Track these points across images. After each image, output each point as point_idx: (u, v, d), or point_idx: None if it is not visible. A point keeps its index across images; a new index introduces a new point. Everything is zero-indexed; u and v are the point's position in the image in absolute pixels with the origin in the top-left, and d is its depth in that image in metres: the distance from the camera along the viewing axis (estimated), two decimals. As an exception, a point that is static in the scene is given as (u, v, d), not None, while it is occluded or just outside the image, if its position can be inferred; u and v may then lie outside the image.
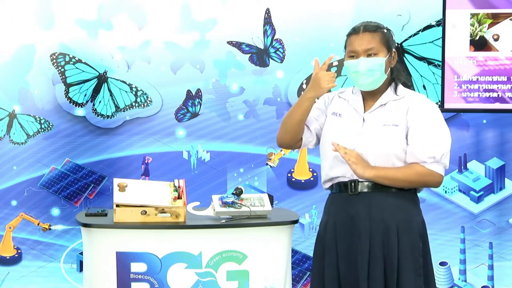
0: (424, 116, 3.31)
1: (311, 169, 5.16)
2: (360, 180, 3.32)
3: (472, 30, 4.74)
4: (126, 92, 5.20)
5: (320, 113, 3.45)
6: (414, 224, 3.33)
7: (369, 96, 3.37)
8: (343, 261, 3.33)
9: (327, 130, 3.42)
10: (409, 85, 3.45)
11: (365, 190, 3.33)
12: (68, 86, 5.19)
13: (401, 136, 3.29)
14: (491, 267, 5.08)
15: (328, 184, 3.45)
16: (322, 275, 3.39)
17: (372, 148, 3.30)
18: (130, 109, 5.21)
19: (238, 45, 5.15)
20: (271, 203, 4.02)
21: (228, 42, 5.14)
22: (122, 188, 3.87)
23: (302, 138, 3.46)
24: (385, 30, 3.37)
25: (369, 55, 3.30)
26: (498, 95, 4.76)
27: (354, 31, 3.34)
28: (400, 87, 3.38)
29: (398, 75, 3.40)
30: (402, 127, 3.30)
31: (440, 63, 4.86)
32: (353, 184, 3.33)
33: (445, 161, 3.30)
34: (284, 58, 5.14)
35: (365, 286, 3.27)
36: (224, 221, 3.85)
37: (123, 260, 3.76)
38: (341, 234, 3.35)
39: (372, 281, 3.27)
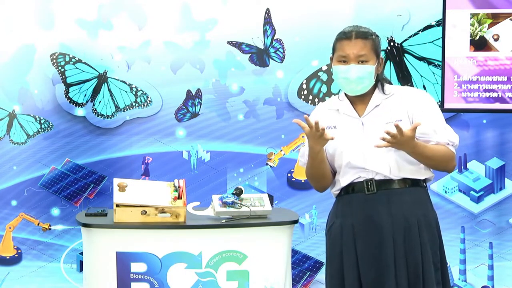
0: (428, 106, 3.35)
1: (311, 169, 5.15)
2: (376, 178, 3.33)
3: (472, 30, 4.74)
4: (126, 92, 5.20)
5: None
6: (431, 218, 3.37)
7: (359, 100, 3.38)
8: (364, 261, 3.32)
9: (328, 145, 3.37)
10: (391, 82, 3.48)
11: (383, 188, 3.32)
12: (68, 86, 5.19)
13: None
14: (491, 267, 5.08)
15: (339, 191, 3.44)
16: (341, 278, 3.37)
17: (383, 147, 3.29)
18: (130, 109, 5.21)
19: (238, 45, 5.15)
20: (271, 203, 4.02)
21: (228, 42, 5.14)
22: (122, 188, 3.88)
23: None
24: (375, 37, 3.36)
25: (360, 62, 3.30)
26: (498, 95, 4.76)
27: (346, 36, 3.33)
28: (385, 85, 3.40)
29: (383, 79, 3.42)
30: (406, 121, 3.31)
31: (440, 63, 4.86)
32: (369, 183, 3.33)
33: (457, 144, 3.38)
34: (284, 58, 5.14)
35: (393, 284, 3.26)
36: (224, 221, 3.85)
37: (123, 260, 3.76)
38: (360, 234, 3.33)
39: (399, 279, 3.27)
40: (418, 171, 3.35)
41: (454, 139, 3.33)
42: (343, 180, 3.39)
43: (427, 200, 3.39)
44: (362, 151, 3.32)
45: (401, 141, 3.18)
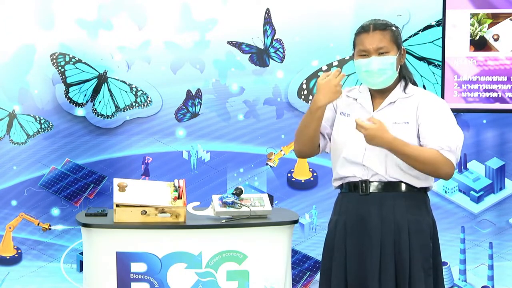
0: (436, 111, 3.30)
1: (311, 169, 5.16)
2: (371, 180, 3.32)
3: (472, 30, 4.74)
4: (126, 92, 5.20)
5: (330, 114, 3.43)
6: (425, 224, 3.33)
7: (378, 94, 3.36)
8: (352, 261, 3.32)
9: (336, 130, 3.40)
10: (416, 82, 3.45)
11: (376, 190, 3.32)
12: (68, 86, 5.19)
13: (413, 133, 3.29)
14: (491, 267, 5.08)
15: (338, 183, 3.44)
16: (329, 275, 3.38)
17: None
18: (130, 109, 5.21)
19: (238, 45, 5.15)
20: (271, 203, 4.02)
21: (228, 42, 5.14)
22: (122, 188, 3.87)
23: (319, 145, 3.44)
24: (394, 28, 3.34)
25: (380, 54, 3.28)
26: (498, 95, 4.76)
27: (364, 30, 3.32)
28: (410, 85, 3.38)
29: (407, 73, 3.40)
30: (413, 124, 3.29)
31: (440, 63, 4.86)
32: (364, 184, 3.33)
33: (458, 153, 3.28)
34: (284, 58, 5.14)
35: (376, 287, 3.26)
36: (224, 221, 3.84)
37: (123, 260, 3.76)
38: (351, 234, 3.34)
39: (383, 282, 3.27)
40: (416, 178, 3.32)
41: (450, 144, 3.24)
42: (341, 170, 3.38)
43: (423, 205, 3.36)
44: (364, 146, 3.31)
45: (369, 133, 3.18)
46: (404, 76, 3.38)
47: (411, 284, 3.27)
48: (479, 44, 4.74)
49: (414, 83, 3.42)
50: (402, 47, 3.36)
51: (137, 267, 3.78)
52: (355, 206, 3.35)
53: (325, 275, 3.41)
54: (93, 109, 5.20)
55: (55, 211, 5.22)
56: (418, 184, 3.33)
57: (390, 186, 3.32)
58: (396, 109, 3.33)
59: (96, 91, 5.20)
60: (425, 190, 3.38)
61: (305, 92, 5.13)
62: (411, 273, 3.27)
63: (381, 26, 3.31)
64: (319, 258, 5.13)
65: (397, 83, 3.36)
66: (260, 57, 5.14)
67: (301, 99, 5.14)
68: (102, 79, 5.20)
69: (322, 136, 3.43)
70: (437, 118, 3.29)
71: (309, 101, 5.13)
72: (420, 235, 3.30)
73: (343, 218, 3.38)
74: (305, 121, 3.36)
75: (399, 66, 3.35)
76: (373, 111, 3.35)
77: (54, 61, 5.16)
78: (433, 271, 3.32)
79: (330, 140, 3.45)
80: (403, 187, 3.32)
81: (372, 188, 3.32)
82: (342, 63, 5.08)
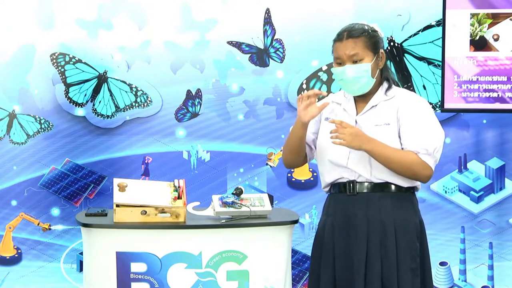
0: (415, 112, 3.31)
1: (311, 169, 5.16)
2: (358, 181, 3.33)
3: (472, 30, 4.74)
4: (126, 92, 5.20)
5: (315, 123, 3.47)
6: (412, 224, 3.34)
7: (361, 98, 3.39)
8: (339, 261, 3.35)
9: (321, 136, 3.44)
10: (399, 83, 3.46)
11: (364, 190, 3.34)
12: (68, 86, 5.19)
13: (394, 134, 3.30)
14: (491, 267, 5.08)
15: (328, 188, 3.47)
16: (318, 275, 3.40)
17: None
18: (130, 109, 5.21)
19: (238, 45, 5.15)
20: (271, 203, 4.02)
21: (228, 42, 5.14)
22: (122, 188, 3.87)
23: (306, 155, 3.50)
24: (370, 32, 3.34)
25: (354, 62, 3.30)
26: (498, 95, 4.76)
27: (338, 38, 3.34)
28: (392, 87, 3.39)
29: (389, 75, 3.41)
30: (394, 126, 3.31)
31: (440, 63, 4.86)
32: (351, 185, 3.34)
33: (437, 155, 3.31)
34: (284, 58, 5.14)
35: (362, 287, 3.28)
36: (224, 221, 3.84)
37: (123, 260, 3.76)
38: (338, 234, 3.36)
39: (369, 282, 3.28)
40: (402, 179, 3.33)
41: (428, 147, 3.26)
42: (328, 176, 3.42)
43: (410, 206, 3.37)
44: (347, 149, 3.32)
45: (348, 133, 3.22)
46: (387, 78, 3.39)
47: (398, 284, 3.28)
48: (479, 44, 4.74)
49: (397, 84, 3.43)
50: (381, 50, 3.36)
51: (137, 267, 3.77)
52: (342, 207, 3.37)
53: (314, 275, 3.43)
54: (93, 109, 5.21)
55: (55, 211, 5.22)
56: (404, 184, 3.34)
57: (378, 187, 3.33)
58: (378, 112, 3.35)
59: (96, 91, 5.20)
60: (412, 190, 3.39)
61: (305, 92, 5.13)
62: (398, 273, 3.28)
63: (355, 34, 3.31)
64: (319, 258, 5.15)
65: (378, 86, 3.37)
66: (260, 57, 5.15)
67: (301, 99, 5.13)
68: (102, 79, 5.20)
69: (308, 146, 3.48)
70: (416, 120, 3.30)
71: (309, 101, 5.13)
72: (407, 235, 3.31)
73: (331, 219, 3.41)
74: (290, 134, 3.47)
75: (378, 70, 3.35)
76: (356, 115, 3.36)
77: (54, 61, 5.16)
78: (420, 271, 3.33)
79: (316, 149, 3.48)
80: (391, 187, 3.33)
81: (360, 188, 3.34)
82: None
